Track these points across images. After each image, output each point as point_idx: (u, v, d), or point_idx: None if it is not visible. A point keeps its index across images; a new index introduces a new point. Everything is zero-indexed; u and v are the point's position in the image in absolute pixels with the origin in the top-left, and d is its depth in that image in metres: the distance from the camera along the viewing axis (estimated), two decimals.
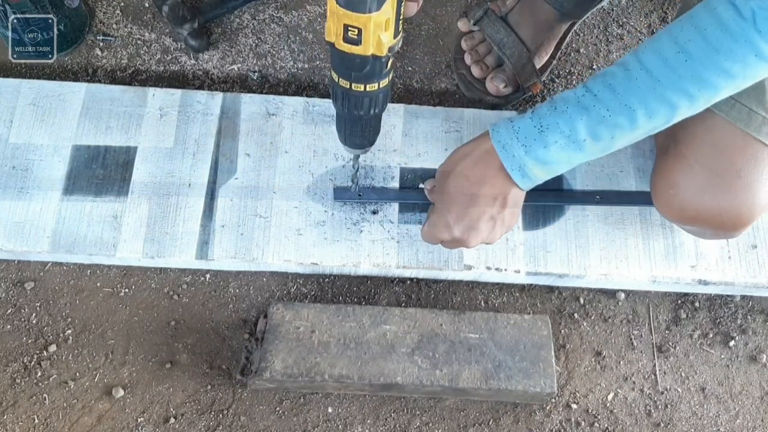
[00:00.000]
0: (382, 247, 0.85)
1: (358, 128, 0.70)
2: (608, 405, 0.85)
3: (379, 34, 0.58)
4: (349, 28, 0.57)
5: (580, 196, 0.89)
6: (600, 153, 0.68)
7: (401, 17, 0.59)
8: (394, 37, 0.59)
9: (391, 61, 0.63)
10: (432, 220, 0.77)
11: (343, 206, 0.87)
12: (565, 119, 0.66)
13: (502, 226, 0.75)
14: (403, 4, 0.58)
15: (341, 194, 0.87)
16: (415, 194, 0.87)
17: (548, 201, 0.88)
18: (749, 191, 0.72)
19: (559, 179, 0.90)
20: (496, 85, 0.95)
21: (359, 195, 0.87)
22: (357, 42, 0.58)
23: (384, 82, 0.64)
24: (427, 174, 0.90)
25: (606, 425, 0.84)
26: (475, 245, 0.75)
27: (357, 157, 0.79)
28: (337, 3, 0.56)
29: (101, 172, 0.87)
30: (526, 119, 0.69)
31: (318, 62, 1.03)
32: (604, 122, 0.65)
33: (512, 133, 0.69)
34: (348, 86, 0.63)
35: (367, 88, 0.63)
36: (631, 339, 0.89)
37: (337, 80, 0.63)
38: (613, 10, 1.10)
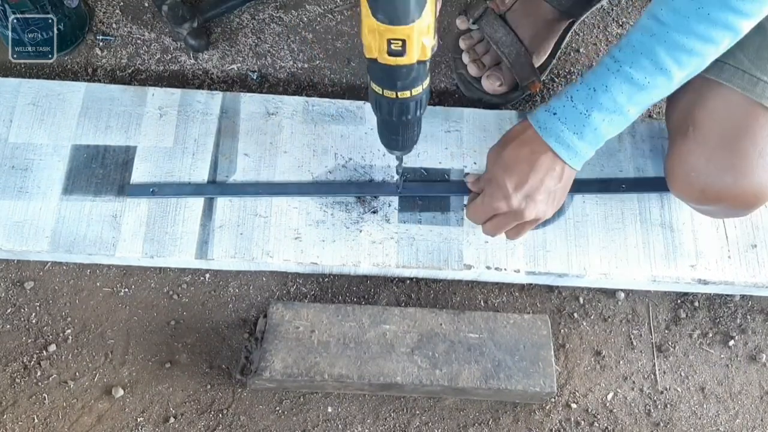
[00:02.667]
0: (381, 247, 0.85)
1: (404, 132, 0.70)
2: (608, 404, 0.85)
3: (423, 39, 0.57)
4: (393, 42, 0.56)
5: (611, 185, 0.90)
6: (641, 112, 0.71)
7: (437, 17, 0.59)
8: (434, 37, 0.59)
9: (430, 60, 0.61)
10: (488, 191, 0.76)
11: (343, 206, 0.87)
12: (607, 97, 0.68)
13: (554, 202, 0.76)
14: (438, 2, 0.58)
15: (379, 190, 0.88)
16: (459, 187, 0.88)
17: (590, 190, 0.90)
18: None
19: None
20: (492, 84, 0.95)
21: (399, 191, 0.87)
22: (402, 53, 0.57)
23: (426, 82, 0.63)
24: (429, 173, 0.90)
25: (606, 425, 0.84)
26: (531, 217, 0.75)
27: (401, 156, 0.78)
28: (377, 20, 0.55)
29: (101, 171, 0.87)
30: (567, 106, 0.71)
31: (318, 62, 1.03)
32: (644, 88, 0.67)
33: (557, 122, 0.71)
34: (394, 96, 0.62)
35: (413, 93, 0.62)
36: (630, 338, 0.89)
37: (381, 92, 0.62)
38: (613, 10, 1.10)
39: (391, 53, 0.58)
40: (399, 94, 0.62)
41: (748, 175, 0.71)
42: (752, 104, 0.71)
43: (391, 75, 0.60)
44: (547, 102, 0.74)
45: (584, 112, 0.69)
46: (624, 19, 1.09)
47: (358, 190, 0.88)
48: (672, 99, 0.79)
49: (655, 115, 1.02)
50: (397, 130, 0.69)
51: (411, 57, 0.58)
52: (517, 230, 0.79)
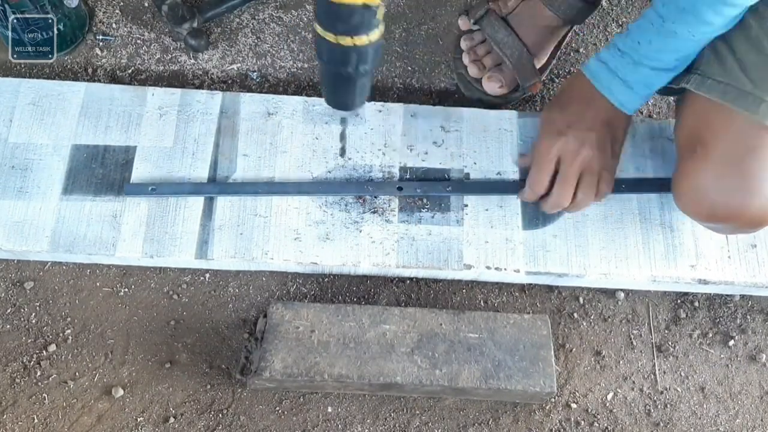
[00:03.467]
0: (381, 247, 0.85)
1: (344, 87, 0.64)
2: (608, 404, 0.85)
3: None
4: None
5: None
6: (688, 61, 0.76)
7: None
8: None
9: (382, 10, 0.56)
10: (543, 134, 0.81)
11: (343, 206, 0.87)
12: (652, 49, 0.74)
13: (611, 147, 0.80)
14: None
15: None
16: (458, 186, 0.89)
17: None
18: None
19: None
20: (492, 85, 0.95)
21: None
22: None
23: (374, 35, 0.57)
24: (427, 173, 0.90)
25: (606, 425, 0.84)
26: (590, 158, 0.79)
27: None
28: None
29: (101, 171, 0.87)
30: (617, 57, 0.77)
31: (318, 62, 1.02)
32: (689, 41, 0.72)
33: (608, 72, 0.78)
34: (334, 40, 0.56)
35: (356, 42, 0.57)
36: (630, 338, 0.89)
37: (321, 33, 0.57)
38: (612, 10, 1.10)
39: None
40: (339, 38, 0.56)
41: (756, 194, 0.72)
42: (757, 125, 0.71)
43: (333, 13, 0.55)
44: (597, 51, 0.80)
45: (632, 62, 0.75)
46: (624, 19, 1.09)
47: (357, 189, 0.88)
48: (680, 117, 0.80)
49: (655, 115, 1.02)
50: (337, 84, 0.63)
51: None
52: (584, 188, 0.80)
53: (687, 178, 0.76)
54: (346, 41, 0.57)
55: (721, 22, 0.70)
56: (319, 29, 0.58)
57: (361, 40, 0.57)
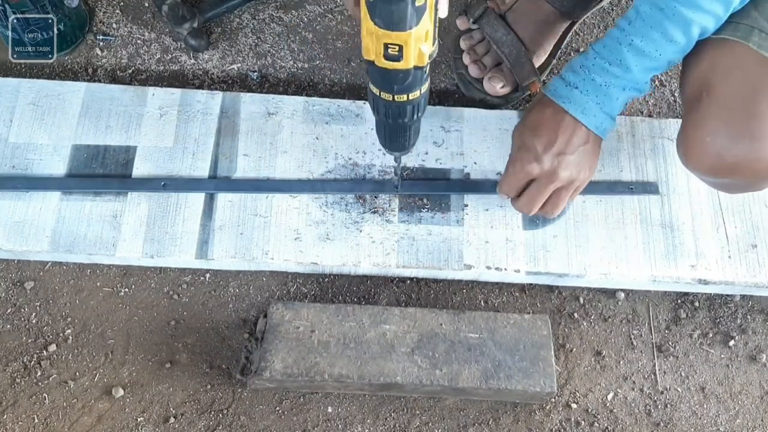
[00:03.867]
0: (381, 247, 0.85)
1: (402, 134, 0.69)
2: (608, 404, 0.85)
3: (420, 46, 0.57)
4: (390, 46, 0.57)
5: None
6: (656, 74, 0.75)
7: (437, 25, 0.59)
8: (433, 44, 0.59)
9: (429, 66, 0.62)
10: (518, 157, 0.78)
11: (343, 206, 0.87)
12: (621, 70, 0.73)
13: (586, 165, 0.78)
14: (438, 11, 0.58)
15: (378, 188, 0.88)
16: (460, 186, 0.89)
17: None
18: None
19: None
20: (494, 86, 0.94)
21: (396, 188, 0.87)
22: (398, 58, 0.57)
23: (425, 87, 0.63)
24: (427, 173, 0.90)
25: (606, 425, 0.84)
26: (566, 178, 0.77)
27: (399, 157, 0.79)
28: (375, 24, 0.55)
29: (101, 171, 0.87)
30: (586, 79, 0.75)
31: (318, 62, 1.03)
32: (656, 59, 0.71)
33: (578, 94, 0.75)
34: (391, 98, 0.61)
35: (410, 97, 0.62)
36: (630, 338, 0.89)
37: (378, 94, 0.62)
38: (613, 10, 1.10)
39: (387, 57, 0.57)
40: (396, 97, 0.61)
41: (764, 141, 0.67)
42: None
43: (388, 78, 0.60)
44: (559, 74, 0.77)
45: (603, 84, 0.74)
46: None
47: (359, 188, 0.88)
48: (685, 67, 0.77)
49: (655, 115, 1.02)
50: (395, 132, 0.69)
51: (408, 62, 0.58)
52: (554, 200, 0.80)
53: (692, 127, 0.71)
54: (402, 98, 0.61)
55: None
56: (374, 89, 0.62)
57: (415, 94, 0.62)
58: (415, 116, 0.65)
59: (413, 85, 0.61)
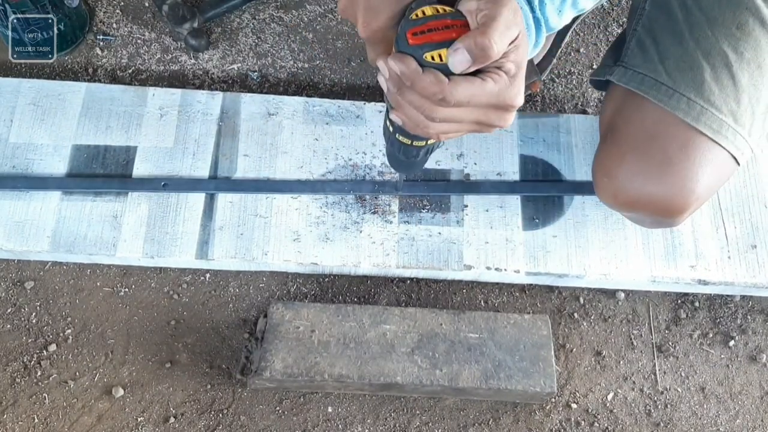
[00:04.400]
0: (382, 247, 0.85)
1: (411, 167, 0.69)
2: (608, 405, 0.85)
3: None
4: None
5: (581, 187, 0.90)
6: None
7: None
8: None
9: None
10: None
11: (343, 206, 0.87)
12: None
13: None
14: None
15: (379, 189, 0.88)
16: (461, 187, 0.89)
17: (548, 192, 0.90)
18: (681, 178, 0.71)
19: (557, 172, 0.90)
20: None
21: (399, 192, 0.88)
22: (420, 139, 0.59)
23: None
24: (428, 173, 0.90)
25: (606, 425, 0.84)
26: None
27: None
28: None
29: (101, 171, 0.87)
30: None
31: (318, 62, 1.03)
32: None
33: None
34: (409, 143, 0.61)
35: (428, 143, 0.61)
36: (630, 339, 0.89)
37: (396, 136, 0.61)
38: (613, 9, 1.10)
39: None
40: (414, 142, 0.60)
41: (656, 181, 0.71)
42: (665, 114, 0.71)
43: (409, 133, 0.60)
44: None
45: None
46: (624, 19, 1.09)
47: (360, 189, 0.88)
48: (603, 108, 0.80)
49: None
50: (404, 164, 0.68)
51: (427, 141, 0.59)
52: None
53: (598, 164, 0.76)
54: (420, 144, 0.60)
55: None
56: (391, 128, 0.61)
57: (432, 141, 0.60)
58: (428, 156, 0.65)
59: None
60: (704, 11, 0.71)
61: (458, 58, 0.47)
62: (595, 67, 1.05)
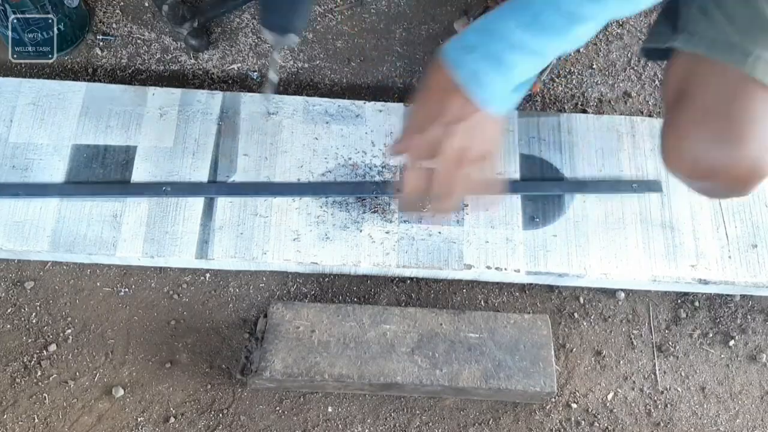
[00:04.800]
0: (381, 247, 0.85)
1: (280, 2, 0.61)
2: (608, 404, 0.85)
3: None
4: None
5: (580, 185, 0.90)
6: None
7: None
8: None
9: None
10: (402, 130, 0.70)
11: (343, 206, 0.87)
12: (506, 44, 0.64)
13: (481, 137, 0.68)
14: None
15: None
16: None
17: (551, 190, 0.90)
18: (765, 139, 0.69)
19: (557, 171, 0.90)
20: None
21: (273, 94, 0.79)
22: None
23: None
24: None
25: (606, 425, 0.84)
26: (452, 147, 0.66)
27: (278, 46, 0.67)
28: None
29: (101, 171, 0.87)
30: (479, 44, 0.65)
31: (318, 61, 1.03)
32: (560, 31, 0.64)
33: (469, 57, 0.65)
34: None
35: None
36: (630, 338, 0.89)
37: None
38: None
39: None
40: None
41: (739, 145, 0.69)
42: (743, 77, 0.69)
43: None
44: (458, 37, 0.68)
45: (495, 52, 0.64)
46: (624, 20, 1.09)
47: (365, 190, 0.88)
48: (667, 77, 0.78)
49: (654, 115, 1.02)
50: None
51: None
52: (443, 179, 0.69)
53: (671, 130, 0.73)
54: None
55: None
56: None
57: None
58: None
59: None
60: None
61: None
62: (594, 67, 1.05)
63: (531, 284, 0.91)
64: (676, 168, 0.74)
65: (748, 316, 0.91)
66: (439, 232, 0.86)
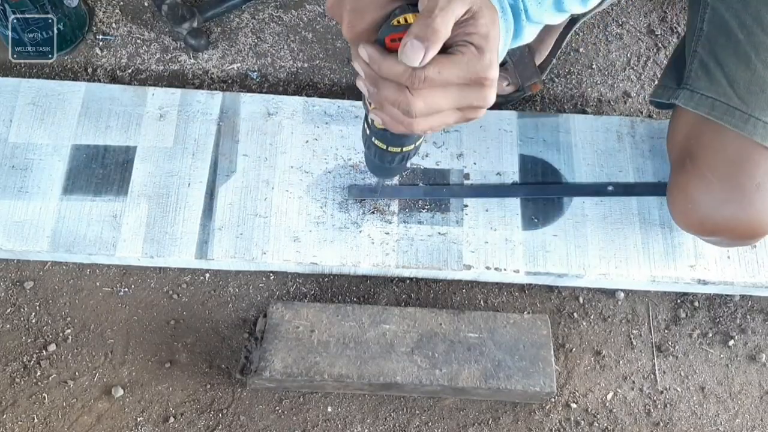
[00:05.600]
0: (381, 247, 0.86)
1: (388, 172, 0.70)
2: (608, 404, 0.86)
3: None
4: None
5: (593, 188, 0.90)
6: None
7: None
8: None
9: None
10: None
11: (343, 206, 0.87)
12: None
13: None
14: None
15: (358, 192, 0.87)
16: (432, 190, 0.88)
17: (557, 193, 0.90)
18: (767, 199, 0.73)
19: (556, 172, 0.90)
20: (500, 84, 0.95)
21: (375, 192, 0.87)
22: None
23: (419, 142, 0.62)
24: (428, 173, 0.90)
25: (605, 424, 0.84)
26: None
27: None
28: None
29: (101, 171, 0.87)
30: None
31: (318, 61, 1.03)
32: None
33: None
34: (384, 148, 0.61)
35: (404, 149, 0.61)
36: (630, 338, 0.89)
37: (371, 138, 0.61)
38: (612, 10, 1.10)
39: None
40: (390, 148, 0.61)
41: (745, 207, 0.73)
42: (745, 140, 0.72)
43: (386, 136, 0.60)
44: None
45: None
46: (624, 19, 1.09)
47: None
48: (671, 130, 0.81)
49: (654, 115, 1.02)
50: (381, 169, 0.68)
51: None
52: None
53: (678, 191, 0.77)
54: (395, 150, 0.61)
55: None
56: (368, 130, 0.61)
57: (409, 148, 0.61)
58: (404, 163, 0.64)
59: (409, 141, 0.60)
60: (767, 32, 0.70)
61: (411, 49, 0.45)
62: (594, 67, 1.05)
63: (530, 284, 0.91)
64: (685, 227, 0.79)
65: (748, 316, 0.91)
66: (439, 233, 0.87)
